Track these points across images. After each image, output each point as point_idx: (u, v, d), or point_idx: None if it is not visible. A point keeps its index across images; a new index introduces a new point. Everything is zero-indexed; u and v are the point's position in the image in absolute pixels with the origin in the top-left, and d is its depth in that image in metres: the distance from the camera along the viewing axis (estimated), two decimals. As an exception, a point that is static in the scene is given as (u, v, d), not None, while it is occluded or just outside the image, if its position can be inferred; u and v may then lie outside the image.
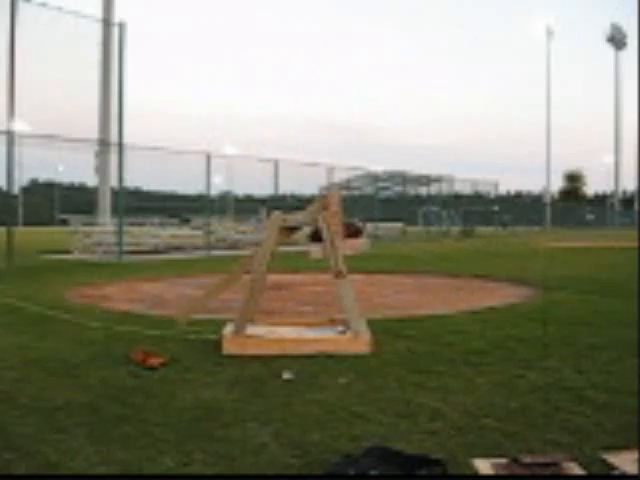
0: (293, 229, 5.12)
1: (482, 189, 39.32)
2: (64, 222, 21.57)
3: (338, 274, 4.67)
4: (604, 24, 75.95)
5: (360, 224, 5.05)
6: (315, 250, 4.87)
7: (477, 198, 39.49)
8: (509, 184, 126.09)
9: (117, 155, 15.42)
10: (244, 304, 4.77)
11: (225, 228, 23.16)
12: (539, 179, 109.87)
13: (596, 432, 2.89)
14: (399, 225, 31.31)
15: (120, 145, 15.23)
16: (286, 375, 3.90)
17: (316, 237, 4.89)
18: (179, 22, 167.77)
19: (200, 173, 18.15)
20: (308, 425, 3.02)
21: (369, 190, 31.37)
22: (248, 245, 19.89)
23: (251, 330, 4.81)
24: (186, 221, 24.88)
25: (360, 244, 4.98)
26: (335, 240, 4.74)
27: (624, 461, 2.49)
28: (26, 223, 40.36)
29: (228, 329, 4.81)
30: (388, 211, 31.10)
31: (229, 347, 4.55)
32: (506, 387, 3.65)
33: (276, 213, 4.98)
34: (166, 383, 3.79)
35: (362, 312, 5.04)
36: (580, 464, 2.47)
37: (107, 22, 20.03)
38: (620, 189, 77.98)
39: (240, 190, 27.78)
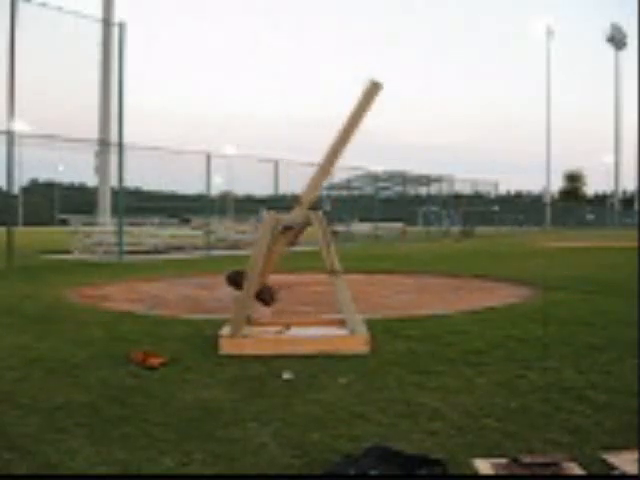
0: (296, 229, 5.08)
1: (482, 189, 39.39)
2: (64, 222, 21.55)
3: (332, 272, 4.67)
4: (604, 24, 76.07)
5: (275, 291, 5.07)
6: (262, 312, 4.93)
7: (477, 198, 39.50)
8: (509, 184, 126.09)
9: (117, 155, 15.42)
10: (240, 304, 4.76)
11: (225, 228, 23.16)
12: (539, 179, 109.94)
13: (596, 432, 2.89)
14: (399, 225, 31.31)
15: (120, 145, 15.22)
16: (286, 375, 3.90)
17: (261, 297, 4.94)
18: (179, 22, 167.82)
19: (200, 173, 18.15)
20: (308, 425, 3.02)
21: (369, 190, 31.39)
22: (248, 245, 19.89)
23: (249, 330, 4.81)
24: (186, 221, 24.87)
25: (264, 313, 5.01)
26: (330, 241, 4.74)
27: (624, 461, 2.49)
28: (26, 223, 40.37)
29: (225, 329, 4.81)
30: (388, 211, 31.10)
31: (226, 347, 4.55)
32: (506, 387, 3.65)
33: (270, 213, 4.96)
34: (166, 383, 3.79)
35: (362, 312, 5.04)
36: (580, 464, 2.47)
37: (107, 22, 20.02)
38: (620, 189, 78.04)
39: (240, 190, 27.76)
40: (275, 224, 4.83)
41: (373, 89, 4.74)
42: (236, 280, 4.93)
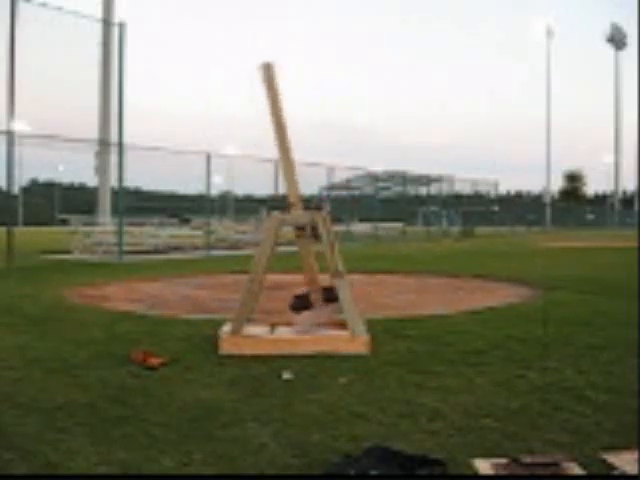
0: (302, 229, 5.08)
1: (482, 189, 39.35)
2: (64, 222, 21.54)
3: (336, 274, 4.67)
4: (604, 24, 76.12)
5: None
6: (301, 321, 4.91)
7: (477, 198, 39.50)
8: (509, 184, 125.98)
9: (117, 155, 15.41)
10: (242, 304, 4.76)
11: (225, 228, 23.16)
12: (539, 179, 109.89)
13: (596, 432, 2.89)
14: (399, 225, 31.30)
15: (120, 145, 15.22)
16: (286, 375, 3.90)
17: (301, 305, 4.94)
18: (179, 22, 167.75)
19: (200, 173, 18.14)
20: (308, 425, 3.02)
21: (369, 190, 31.40)
22: (248, 245, 19.90)
23: (249, 330, 4.81)
24: (186, 221, 24.88)
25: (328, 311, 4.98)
26: (334, 242, 4.74)
27: (624, 461, 2.49)
28: (26, 223, 40.27)
29: (225, 329, 4.81)
30: (388, 211, 31.11)
31: (226, 347, 4.55)
32: (506, 387, 3.65)
33: (274, 213, 4.97)
34: (166, 383, 3.79)
35: (362, 312, 5.03)
36: (580, 464, 2.47)
37: (107, 22, 20.03)
38: (620, 189, 78.06)
39: (240, 190, 27.81)
40: (279, 224, 4.83)
41: (267, 70, 4.95)
42: (302, 304, 5.00)
